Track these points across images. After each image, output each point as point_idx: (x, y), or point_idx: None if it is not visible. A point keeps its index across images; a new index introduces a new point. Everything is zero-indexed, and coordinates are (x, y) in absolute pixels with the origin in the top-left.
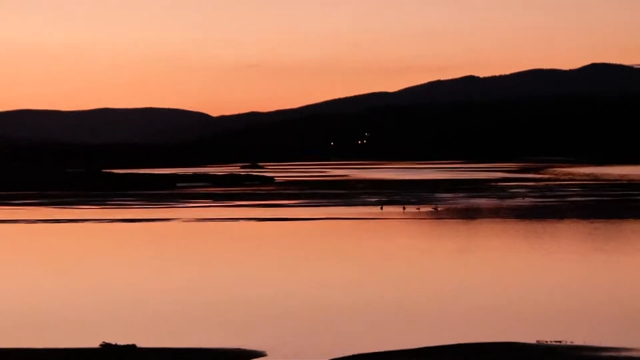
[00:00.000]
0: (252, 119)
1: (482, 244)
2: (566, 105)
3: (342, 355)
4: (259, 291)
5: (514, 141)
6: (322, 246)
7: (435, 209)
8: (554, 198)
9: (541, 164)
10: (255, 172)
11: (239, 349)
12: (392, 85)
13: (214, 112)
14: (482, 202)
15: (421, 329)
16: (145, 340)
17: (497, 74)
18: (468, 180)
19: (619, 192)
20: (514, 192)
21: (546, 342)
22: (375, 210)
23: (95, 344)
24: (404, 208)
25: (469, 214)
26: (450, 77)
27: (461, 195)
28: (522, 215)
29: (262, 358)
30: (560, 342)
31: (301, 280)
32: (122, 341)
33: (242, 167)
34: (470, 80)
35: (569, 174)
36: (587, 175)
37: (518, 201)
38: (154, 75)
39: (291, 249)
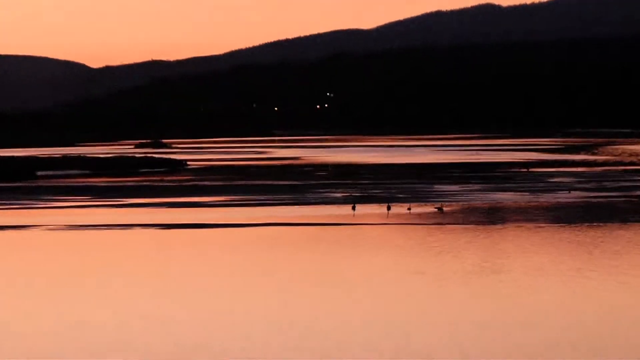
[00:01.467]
0: (153, 71)
1: (511, 262)
2: (632, 50)
3: None
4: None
5: (554, 106)
6: (263, 270)
7: (440, 209)
8: (614, 192)
9: (595, 140)
10: (158, 153)
11: None
12: (367, 19)
13: (96, 62)
14: (507, 198)
15: None
16: None
17: (527, 1)
18: (486, 165)
19: None
20: (555, 182)
21: None
22: (344, 211)
23: None
24: (389, 208)
25: (489, 217)
26: (456, 7)
27: (476, 188)
28: (568, 218)
29: None
30: None
31: (234, 334)
32: None
33: (137, 146)
34: (486, 11)
35: (636, 154)
36: None
37: (561, 196)
38: (4, 9)
39: (215, 276)
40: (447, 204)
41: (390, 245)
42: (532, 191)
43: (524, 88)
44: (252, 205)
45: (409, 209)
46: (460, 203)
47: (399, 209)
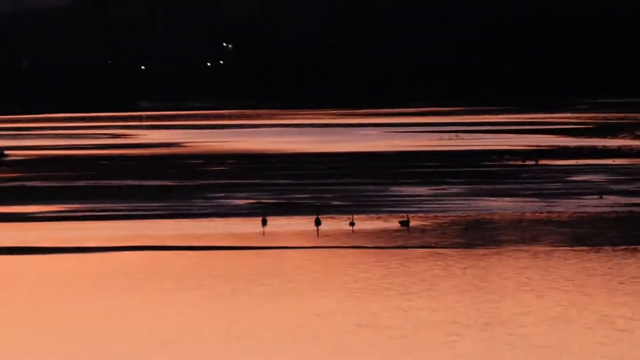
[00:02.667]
0: None
1: (513, 307)
2: None
3: None
4: None
5: (578, 64)
6: (123, 323)
7: (404, 223)
8: None
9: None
10: None
11: None
12: None
13: None
14: (505, 206)
15: None
16: None
17: None
18: (473, 155)
19: None
20: (578, 182)
21: None
22: (250, 227)
23: None
24: (319, 223)
25: (478, 237)
26: None
27: (457, 190)
28: (598, 237)
29: None
30: None
31: None
32: None
33: None
34: None
35: None
36: None
37: (588, 204)
38: None
39: (46, 330)
40: (413, 215)
41: (325, 282)
42: (542, 196)
43: (533, 37)
44: (106, 218)
45: (352, 223)
46: (435, 214)
47: (335, 223)
